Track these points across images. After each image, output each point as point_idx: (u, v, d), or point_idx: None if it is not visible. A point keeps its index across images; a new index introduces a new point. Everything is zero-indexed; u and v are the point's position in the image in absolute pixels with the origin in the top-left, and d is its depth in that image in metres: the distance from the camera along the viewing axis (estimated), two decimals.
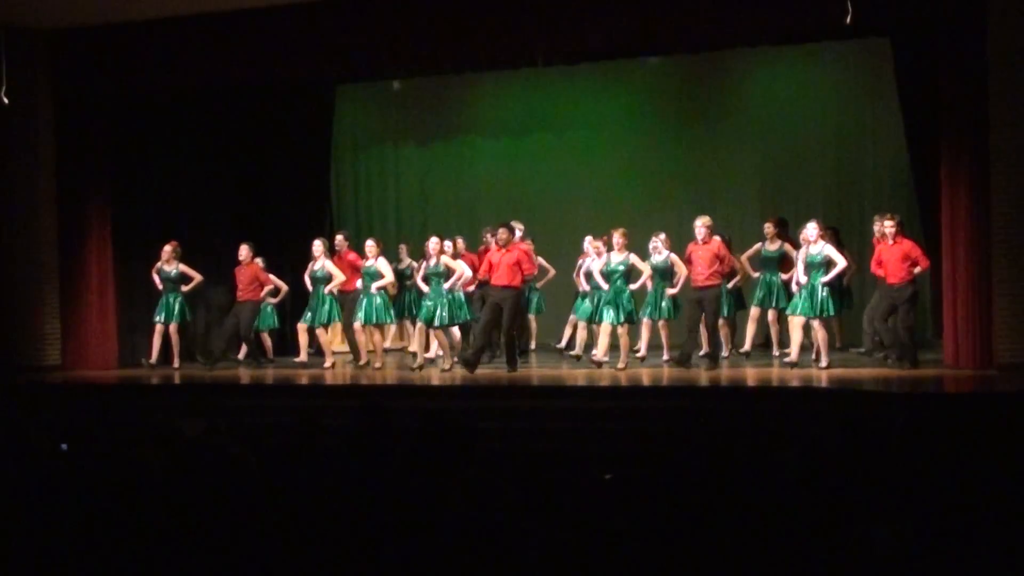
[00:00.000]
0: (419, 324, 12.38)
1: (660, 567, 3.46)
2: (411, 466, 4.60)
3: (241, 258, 12.90)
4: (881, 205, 13.53)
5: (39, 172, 12.99)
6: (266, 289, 13.08)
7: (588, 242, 12.63)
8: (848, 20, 9.83)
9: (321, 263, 12.53)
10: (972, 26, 10.31)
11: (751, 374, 11.21)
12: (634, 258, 11.66)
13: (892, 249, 10.89)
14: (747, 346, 12.32)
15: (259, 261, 13.04)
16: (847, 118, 14.42)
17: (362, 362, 12.38)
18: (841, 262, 10.94)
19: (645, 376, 11.20)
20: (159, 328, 12.88)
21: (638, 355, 12.26)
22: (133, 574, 3.67)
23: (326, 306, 12.49)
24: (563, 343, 13.40)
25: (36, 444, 5.03)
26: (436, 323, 11.86)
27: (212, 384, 11.84)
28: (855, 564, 3.37)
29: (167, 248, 12.88)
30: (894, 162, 13.64)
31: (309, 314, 12.53)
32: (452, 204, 15.96)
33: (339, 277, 12.44)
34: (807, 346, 11.37)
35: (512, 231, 11.82)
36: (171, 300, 12.84)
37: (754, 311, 12.20)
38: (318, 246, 12.59)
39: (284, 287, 13.32)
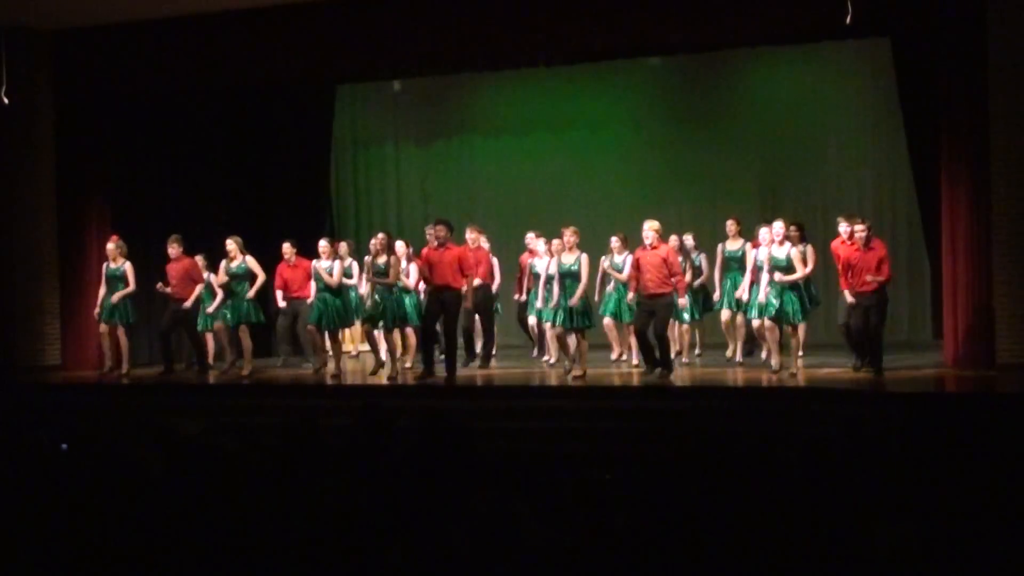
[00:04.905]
0: (378, 331, 11.61)
1: (660, 567, 3.46)
2: (411, 466, 4.60)
3: (172, 254, 11.94)
4: (881, 205, 13.53)
5: (39, 172, 12.99)
6: (198, 288, 11.99)
7: (554, 244, 11.21)
8: (848, 20, 9.84)
9: (239, 261, 11.83)
10: (972, 26, 10.30)
11: (748, 375, 11.17)
12: (584, 259, 10.64)
13: (866, 256, 10.25)
14: (738, 356, 11.79)
15: (200, 258, 12.15)
16: (847, 118, 14.41)
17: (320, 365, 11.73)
18: (801, 270, 10.31)
19: (621, 378, 11.15)
20: (107, 329, 12.17)
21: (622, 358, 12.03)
22: (132, 574, 3.67)
23: (247, 305, 11.82)
24: (544, 353, 12.80)
25: (36, 444, 5.04)
26: (386, 325, 11.33)
27: (212, 384, 11.83)
28: (855, 565, 3.38)
29: (111, 246, 12.12)
30: (894, 162, 13.64)
31: (227, 313, 11.80)
32: (452, 204, 15.93)
33: (261, 276, 11.84)
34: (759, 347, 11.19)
35: (450, 228, 11.08)
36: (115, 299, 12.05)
37: (725, 314, 11.69)
38: (231, 244, 11.83)
39: (261, 276, 12.00)
